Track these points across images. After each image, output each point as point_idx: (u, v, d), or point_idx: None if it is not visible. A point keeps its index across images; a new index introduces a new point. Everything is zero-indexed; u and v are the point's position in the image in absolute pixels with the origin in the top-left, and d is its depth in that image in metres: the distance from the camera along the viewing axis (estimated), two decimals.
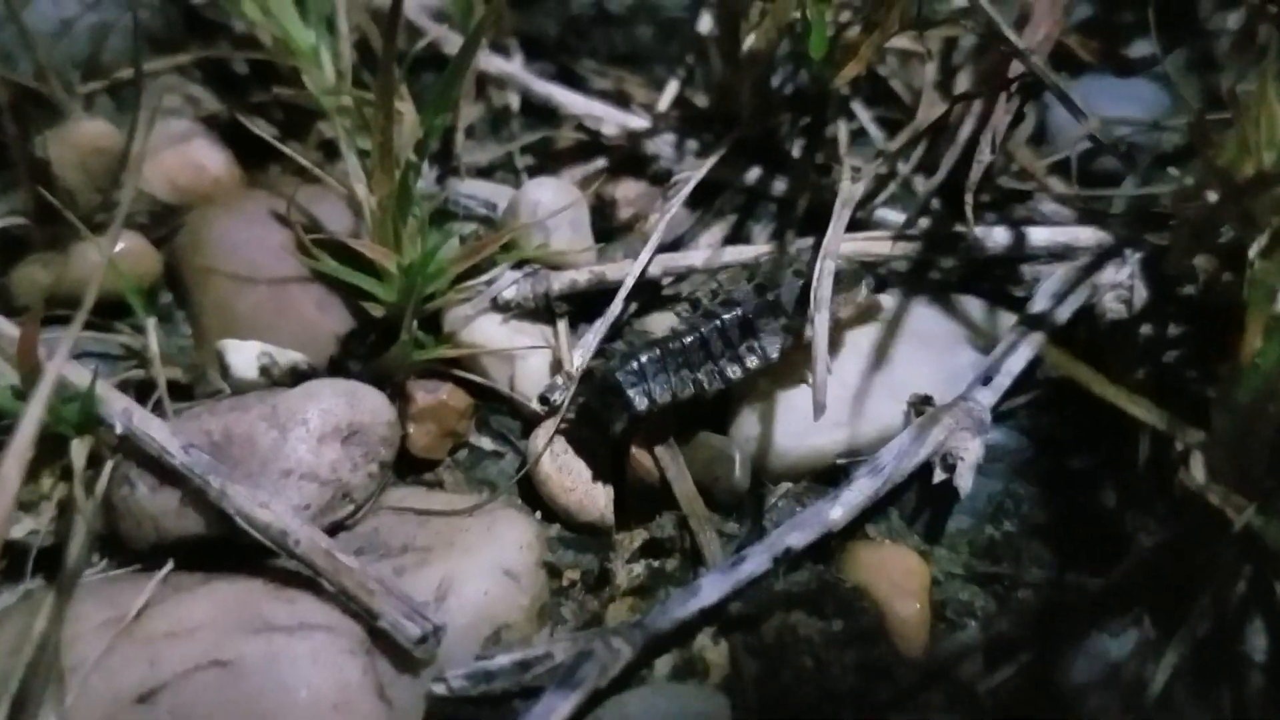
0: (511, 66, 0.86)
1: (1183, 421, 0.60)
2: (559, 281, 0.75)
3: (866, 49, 0.73)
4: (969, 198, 0.69)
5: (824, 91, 0.80)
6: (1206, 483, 0.61)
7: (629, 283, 0.73)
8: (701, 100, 0.88)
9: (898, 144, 0.77)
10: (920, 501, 0.70)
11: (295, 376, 0.74)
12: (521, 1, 0.96)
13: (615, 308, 0.73)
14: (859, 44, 0.76)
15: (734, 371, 0.69)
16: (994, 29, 0.68)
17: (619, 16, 0.97)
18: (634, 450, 0.70)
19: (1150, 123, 0.80)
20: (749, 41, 0.76)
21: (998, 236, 0.75)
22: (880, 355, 0.74)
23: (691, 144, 0.84)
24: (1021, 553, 0.69)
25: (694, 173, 0.78)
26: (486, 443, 0.75)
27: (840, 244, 0.71)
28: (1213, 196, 0.64)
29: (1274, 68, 0.63)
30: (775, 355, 0.70)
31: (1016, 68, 0.70)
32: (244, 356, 0.73)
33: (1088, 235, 0.74)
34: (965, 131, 0.76)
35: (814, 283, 0.69)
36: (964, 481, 0.68)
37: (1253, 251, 0.63)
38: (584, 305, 0.77)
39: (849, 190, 0.74)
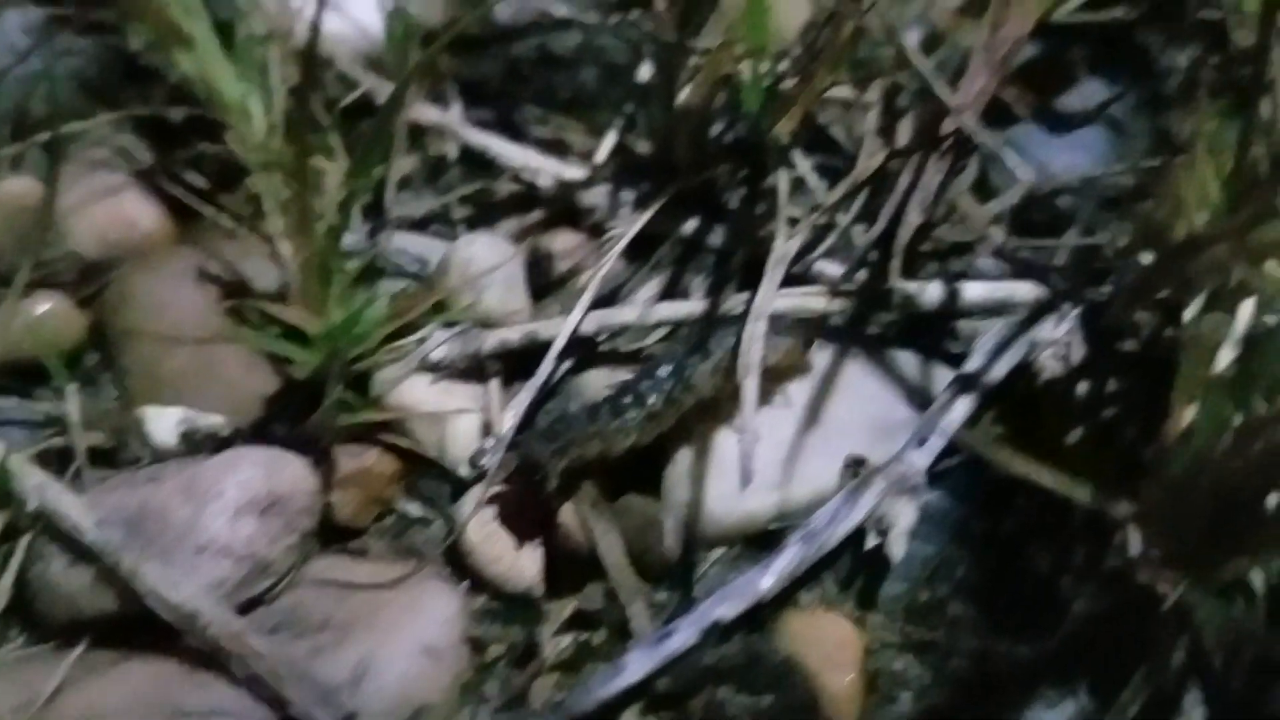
0: (446, 116, 0.84)
1: (1114, 491, 0.59)
2: (490, 341, 0.74)
3: (802, 102, 0.72)
4: (895, 262, 0.67)
5: (762, 142, 0.78)
6: (1140, 555, 0.60)
7: (559, 342, 0.72)
8: (644, 148, 0.86)
9: (834, 196, 0.76)
10: (854, 566, 0.69)
11: (218, 443, 0.72)
12: (463, 46, 0.94)
13: (545, 367, 0.72)
14: (796, 95, 0.74)
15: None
16: (925, 85, 0.67)
17: (563, 59, 0.95)
18: (563, 517, 0.69)
19: (1089, 176, 0.79)
20: (684, 93, 0.74)
21: (933, 292, 0.74)
22: (814, 413, 0.73)
23: (629, 195, 0.82)
24: (957, 620, 0.67)
25: (629, 226, 0.76)
26: (415, 509, 0.73)
27: (772, 305, 0.69)
28: (1148, 257, 0.62)
29: (1207, 124, 0.62)
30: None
31: (951, 122, 0.69)
32: (164, 424, 0.71)
33: (1025, 290, 0.73)
34: (904, 183, 0.74)
35: (742, 346, 0.67)
36: (896, 548, 0.66)
37: (1188, 315, 0.62)
38: (518, 364, 0.75)
39: (782, 248, 0.72)
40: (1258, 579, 0.58)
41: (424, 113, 0.83)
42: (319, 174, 0.70)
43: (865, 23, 0.69)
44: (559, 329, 0.73)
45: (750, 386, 0.65)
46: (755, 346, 0.67)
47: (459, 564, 0.70)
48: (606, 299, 0.79)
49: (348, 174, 0.67)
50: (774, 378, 0.72)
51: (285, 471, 0.69)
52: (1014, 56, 0.73)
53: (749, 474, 0.62)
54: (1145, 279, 0.62)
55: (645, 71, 0.86)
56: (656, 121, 0.80)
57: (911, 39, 0.85)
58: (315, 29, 0.62)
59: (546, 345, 0.74)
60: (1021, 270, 0.75)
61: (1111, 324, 0.70)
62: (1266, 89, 0.57)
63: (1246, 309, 0.57)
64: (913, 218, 0.68)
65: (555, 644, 0.67)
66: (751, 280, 0.75)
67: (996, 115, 0.83)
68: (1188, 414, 0.57)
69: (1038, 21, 0.76)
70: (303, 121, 0.64)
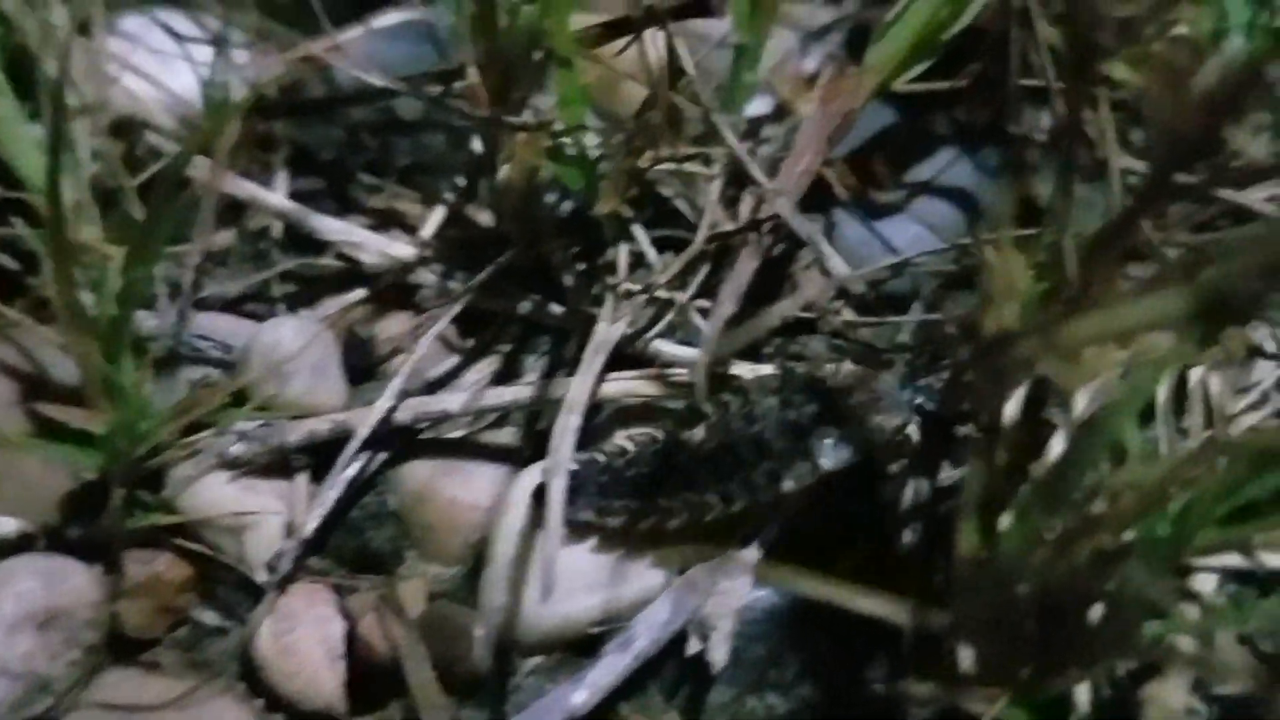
0: (259, 189, 0.79)
1: (930, 604, 0.55)
2: (295, 433, 0.69)
3: (623, 180, 0.68)
4: (703, 362, 0.63)
5: (596, 217, 0.75)
6: (969, 669, 0.56)
7: (362, 433, 0.67)
8: (486, 220, 0.82)
9: (668, 274, 0.72)
10: (680, 674, 0.65)
11: (7, 548, 0.67)
12: (300, 110, 0.90)
13: (344, 460, 0.67)
14: (625, 172, 0.71)
15: None
16: (740, 168, 0.64)
17: (408, 124, 0.91)
18: (363, 628, 0.64)
19: (926, 253, 0.76)
20: (503, 170, 0.70)
21: (750, 370, 0.70)
22: None
23: (462, 273, 0.78)
24: None
25: (449, 307, 0.72)
26: (211, 617, 0.68)
27: (587, 395, 0.66)
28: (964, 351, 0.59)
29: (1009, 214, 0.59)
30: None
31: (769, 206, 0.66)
32: None
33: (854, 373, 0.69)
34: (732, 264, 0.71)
35: (551, 442, 0.63)
36: (718, 654, 0.63)
37: (1007, 412, 0.59)
38: (330, 458, 0.70)
39: (605, 333, 0.68)
40: (1083, 695, 0.55)
41: (238, 186, 0.78)
42: (104, 259, 0.65)
43: (683, 101, 0.66)
44: (371, 419, 0.69)
45: (558, 487, 0.61)
46: (565, 442, 0.62)
47: (254, 679, 0.65)
48: (437, 384, 0.75)
49: (127, 259, 0.62)
50: None
51: (66, 582, 0.65)
52: (843, 133, 0.70)
53: (550, 585, 0.58)
54: (959, 373, 0.60)
55: (479, 143, 0.82)
56: (486, 196, 0.76)
57: (758, 108, 0.83)
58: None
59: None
60: (857, 351, 0.71)
61: (947, 413, 0.67)
62: (1077, 170, 0.54)
63: (1059, 417, 0.55)
64: (725, 308, 0.64)
65: None
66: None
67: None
68: (972, 540, 0.53)
69: (875, 93, 0.74)
70: (53, 200, 0.58)
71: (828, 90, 0.70)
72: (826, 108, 0.69)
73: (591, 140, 0.72)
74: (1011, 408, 0.59)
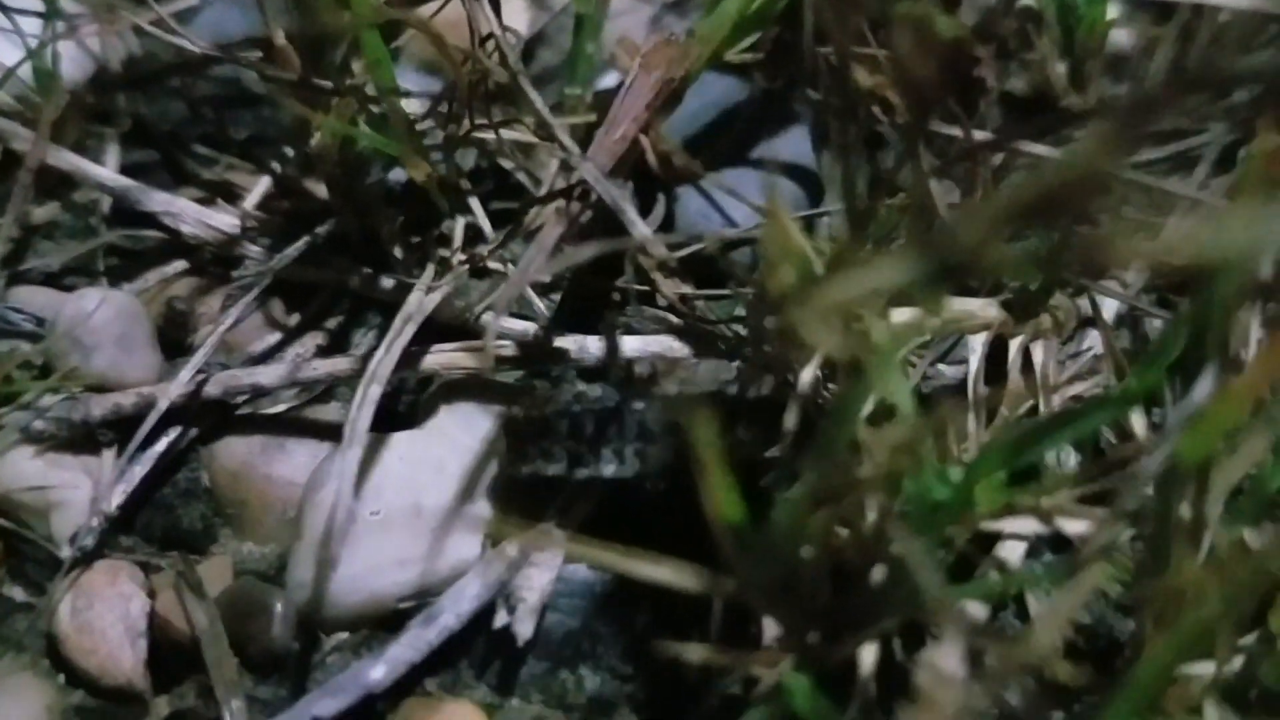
0: (82, 161, 0.77)
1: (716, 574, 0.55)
2: (99, 407, 0.67)
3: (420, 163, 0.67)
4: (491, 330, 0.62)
5: (425, 188, 0.73)
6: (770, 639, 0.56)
7: (162, 405, 0.66)
8: (322, 194, 0.81)
9: (492, 245, 0.71)
10: (491, 649, 0.64)
11: None
12: (138, 83, 0.87)
13: (144, 433, 0.66)
14: (456, 139, 0.70)
15: None
16: (548, 132, 0.63)
17: (255, 97, 0.89)
18: (161, 605, 0.63)
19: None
20: (316, 137, 0.69)
21: (590, 346, 0.69)
22: (472, 480, 0.68)
23: (290, 246, 0.76)
24: (594, 701, 0.63)
25: (263, 278, 0.70)
26: (18, 594, 0.66)
27: (391, 365, 0.64)
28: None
29: None
30: None
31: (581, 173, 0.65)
32: None
33: (680, 345, 0.69)
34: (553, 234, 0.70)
35: (350, 412, 0.62)
36: (523, 627, 0.62)
37: (805, 377, 0.58)
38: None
39: (418, 301, 0.67)
40: (868, 659, 0.55)
41: (61, 158, 0.76)
42: None
43: (495, 66, 0.64)
44: (174, 391, 0.67)
45: (352, 459, 0.60)
46: (364, 414, 0.61)
47: (56, 655, 0.63)
48: (259, 359, 0.73)
49: None
50: None
51: None
52: (667, 103, 0.69)
53: (335, 558, 0.57)
54: (756, 340, 0.59)
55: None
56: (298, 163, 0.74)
57: (608, 82, 0.82)
58: None
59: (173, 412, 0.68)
60: (689, 324, 0.70)
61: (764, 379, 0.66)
62: (856, 140, 0.54)
63: (806, 375, 0.54)
64: (532, 267, 0.63)
65: None
66: (428, 334, 0.70)
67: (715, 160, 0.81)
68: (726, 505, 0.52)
69: (707, 63, 0.73)
70: None
71: (649, 57, 0.69)
72: (648, 75, 0.68)
73: (416, 107, 0.71)
74: (807, 374, 0.59)
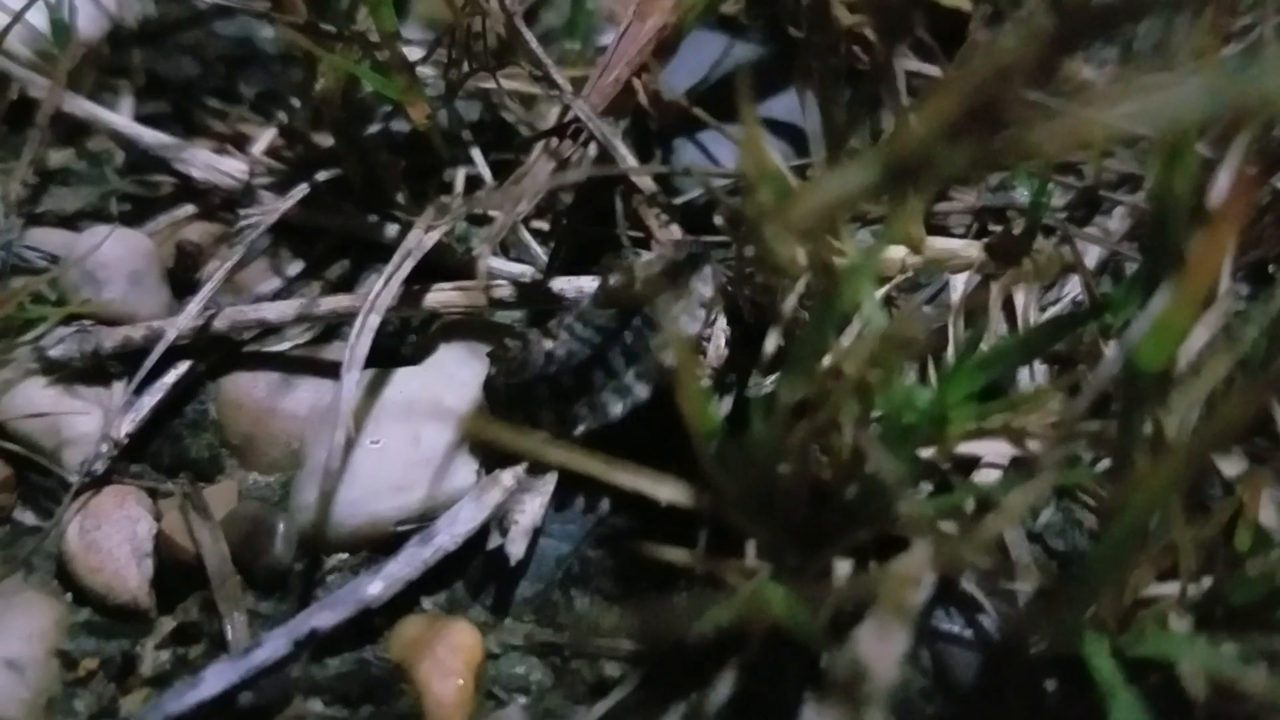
0: (97, 108, 0.80)
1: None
2: (110, 339, 0.70)
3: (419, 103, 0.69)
4: (481, 268, 0.64)
5: (426, 134, 0.76)
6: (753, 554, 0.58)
7: (170, 336, 0.68)
8: (329, 142, 0.83)
9: (486, 190, 0.73)
10: (486, 571, 0.66)
11: None
12: (154, 39, 0.90)
13: (151, 362, 0.68)
14: (458, 84, 0.72)
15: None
16: (544, 72, 0.65)
17: (269, 55, 0.92)
18: (166, 525, 0.65)
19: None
20: (320, 83, 0.71)
21: (585, 289, 0.72)
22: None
23: (300, 187, 0.78)
24: (584, 622, 0.65)
25: (269, 217, 0.73)
26: (30, 517, 0.69)
27: (390, 297, 0.67)
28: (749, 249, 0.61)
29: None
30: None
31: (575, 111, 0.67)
32: None
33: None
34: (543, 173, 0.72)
35: (349, 340, 0.64)
36: (515, 548, 0.64)
37: (787, 305, 0.60)
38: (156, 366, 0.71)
39: (417, 238, 0.69)
40: (842, 572, 0.57)
41: (77, 105, 0.78)
42: None
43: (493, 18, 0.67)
44: (181, 323, 0.69)
45: (350, 382, 0.62)
46: (362, 341, 0.64)
47: (65, 575, 0.66)
48: (266, 299, 0.76)
49: None
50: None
51: None
52: (660, 50, 0.71)
53: (335, 471, 0.59)
54: (740, 260, 0.61)
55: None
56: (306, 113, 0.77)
57: (606, 39, 0.84)
58: None
59: (180, 344, 0.70)
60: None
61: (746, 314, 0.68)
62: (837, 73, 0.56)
63: (790, 300, 0.56)
64: (523, 201, 0.65)
65: (156, 658, 0.63)
66: (433, 274, 0.73)
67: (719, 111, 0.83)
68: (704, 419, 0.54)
69: (702, 13, 0.75)
70: None
71: (643, 5, 0.71)
72: (642, 22, 0.71)
73: (416, 53, 0.73)
74: (789, 302, 0.61)
